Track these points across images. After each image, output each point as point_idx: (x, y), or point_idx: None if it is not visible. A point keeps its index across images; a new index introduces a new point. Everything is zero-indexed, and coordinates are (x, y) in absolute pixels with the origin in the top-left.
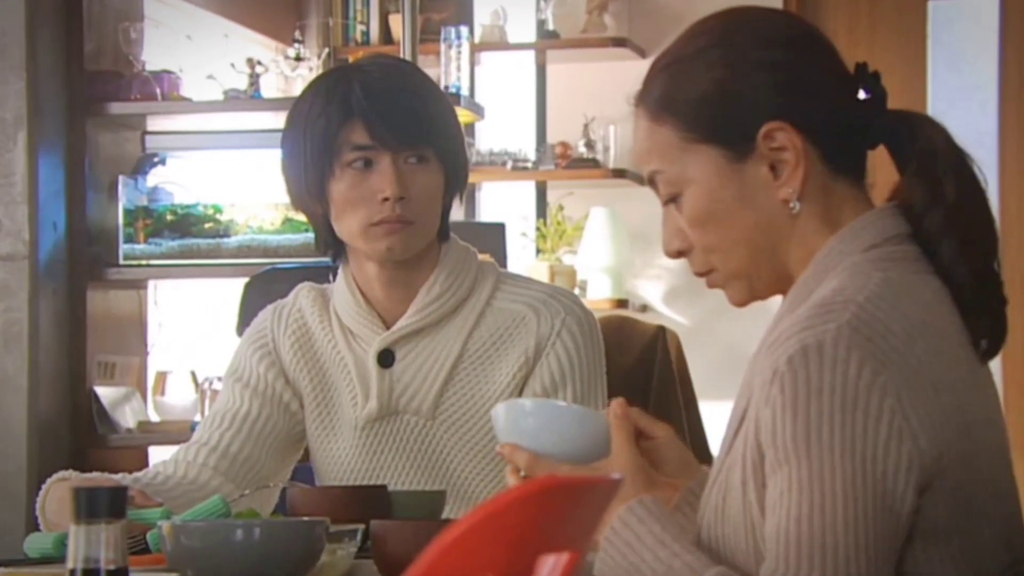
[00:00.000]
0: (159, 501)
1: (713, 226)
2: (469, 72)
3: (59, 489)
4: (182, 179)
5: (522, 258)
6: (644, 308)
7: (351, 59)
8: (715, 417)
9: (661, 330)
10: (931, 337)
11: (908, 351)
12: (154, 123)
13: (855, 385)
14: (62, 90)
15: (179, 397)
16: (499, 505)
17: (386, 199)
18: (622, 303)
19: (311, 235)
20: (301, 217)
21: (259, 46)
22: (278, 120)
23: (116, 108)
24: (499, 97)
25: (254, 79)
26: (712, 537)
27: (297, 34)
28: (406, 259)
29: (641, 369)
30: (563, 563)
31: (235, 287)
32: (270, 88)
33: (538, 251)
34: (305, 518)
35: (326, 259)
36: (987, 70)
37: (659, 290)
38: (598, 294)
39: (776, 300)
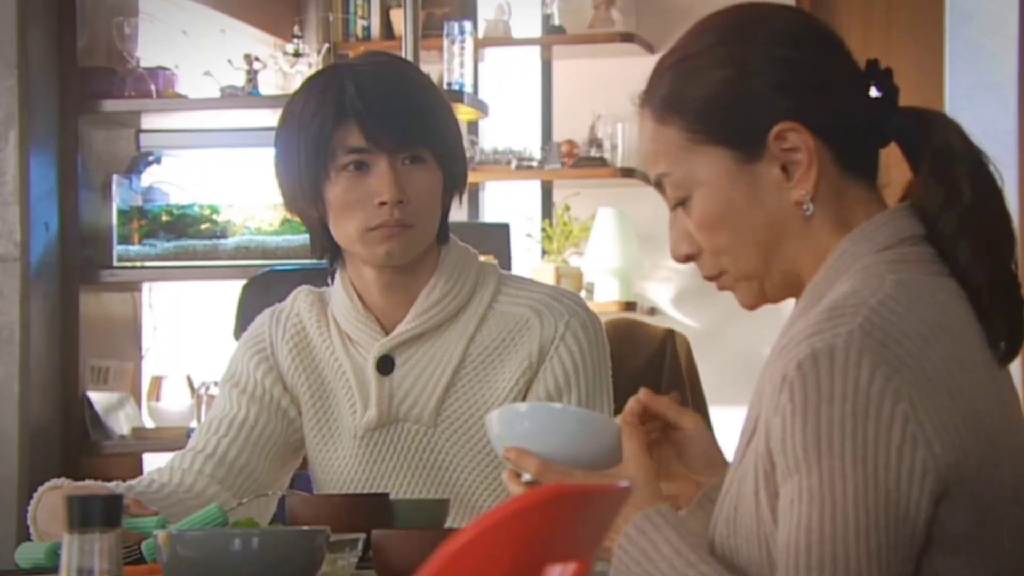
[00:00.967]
0: (154, 510)
1: (723, 229)
2: (472, 68)
3: (51, 498)
4: (178, 179)
5: (527, 260)
6: (653, 311)
7: (351, 55)
8: (726, 424)
9: (670, 334)
10: (947, 341)
11: (923, 355)
12: (149, 121)
13: (867, 391)
14: (54, 87)
15: (174, 403)
16: (504, 514)
17: (383, 203)
18: (630, 306)
19: (309, 236)
20: None
21: (257, 42)
22: (276, 118)
23: (110, 105)
24: (503, 94)
25: (252, 76)
26: (725, 548)
27: (296, 29)
28: (405, 263)
29: (650, 374)
30: (570, 573)
31: (232, 289)
32: (268, 85)
33: (544, 253)
34: (305, 527)
35: (325, 261)
36: (1007, 66)
37: (668, 292)
38: (605, 296)
39: (789, 303)
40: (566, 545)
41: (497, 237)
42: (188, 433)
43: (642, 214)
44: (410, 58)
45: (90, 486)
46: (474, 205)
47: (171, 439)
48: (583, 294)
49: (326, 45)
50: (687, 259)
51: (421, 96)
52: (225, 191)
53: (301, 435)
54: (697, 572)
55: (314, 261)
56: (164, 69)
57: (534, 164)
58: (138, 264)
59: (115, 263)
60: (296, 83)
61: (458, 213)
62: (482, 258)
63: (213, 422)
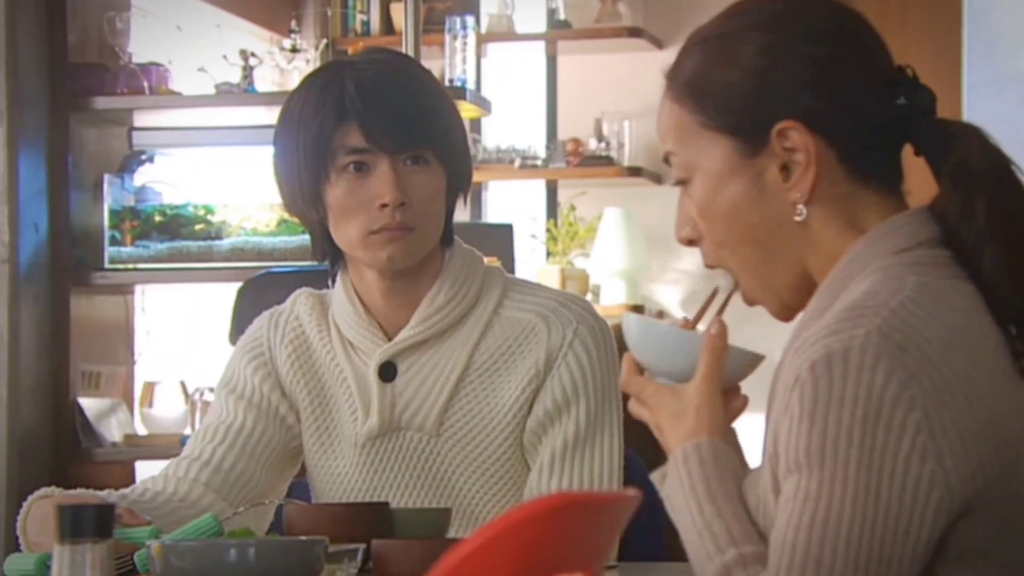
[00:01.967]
0: (147, 519)
1: (720, 220)
2: (475, 64)
3: (41, 507)
4: (171, 178)
5: (531, 261)
6: (661, 314)
7: (350, 51)
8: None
9: None
10: (969, 346)
11: (943, 362)
12: (141, 118)
13: (880, 396)
14: (44, 84)
15: (168, 409)
16: (509, 523)
17: (384, 205)
18: (637, 309)
19: (308, 237)
20: None
21: (253, 37)
22: (273, 115)
23: (101, 103)
24: (507, 91)
25: (248, 72)
26: None
27: (293, 24)
28: (408, 267)
29: None
30: None
31: (228, 292)
32: (265, 81)
33: (548, 254)
34: (303, 537)
35: (325, 264)
36: None
37: (677, 295)
38: (612, 299)
39: None
40: (573, 555)
41: (500, 238)
42: (182, 440)
43: (649, 214)
44: (411, 54)
45: (81, 495)
46: (477, 205)
47: (164, 446)
48: (589, 297)
49: (324, 40)
50: (688, 242)
51: (424, 95)
52: (220, 191)
53: (299, 443)
54: (721, 524)
55: (312, 263)
56: (157, 65)
57: (538, 163)
58: (130, 266)
59: (107, 265)
60: (293, 80)
61: (460, 214)
62: (486, 261)
63: (209, 429)
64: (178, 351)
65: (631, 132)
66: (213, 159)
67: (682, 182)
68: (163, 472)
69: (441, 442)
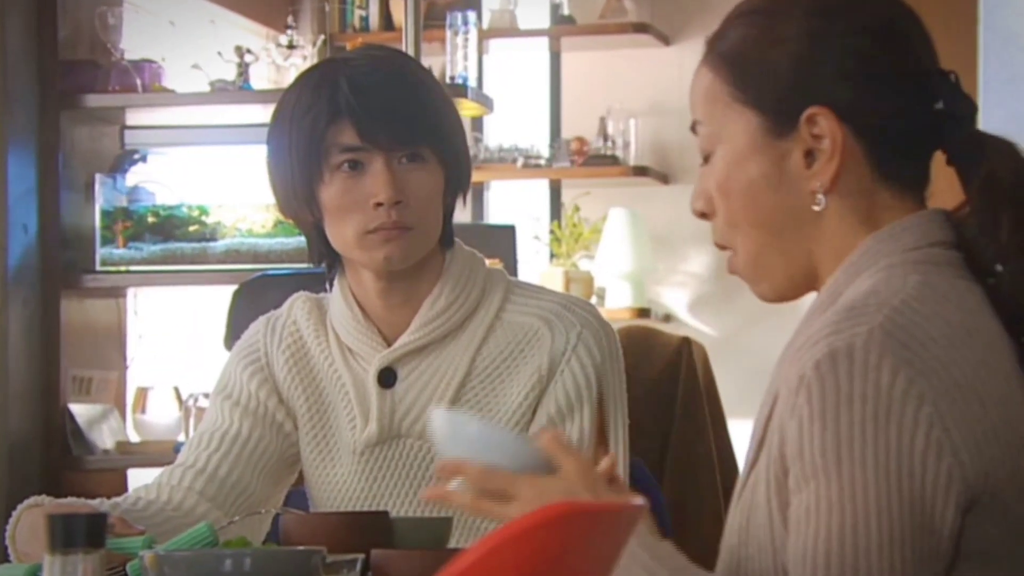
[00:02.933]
0: (140, 529)
1: (736, 198)
2: (477, 61)
3: (31, 516)
4: (164, 178)
5: (534, 263)
6: (667, 318)
7: (349, 47)
8: (745, 436)
9: (686, 342)
10: (976, 346)
11: (950, 360)
12: (134, 117)
13: (888, 392)
14: (34, 81)
15: (161, 415)
16: (512, 533)
17: (380, 204)
18: (643, 312)
19: (304, 239)
20: None
21: (248, 33)
22: (268, 113)
23: (93, 100)
24: (509, 88)
25: (243, 69)
26: (736, 560)
27: (290, 20)
28: (407, 269)
29: (664, 384)
30: None
31: (223, 295)
32: (260, 79)
33: (552, 256)
34: (300, 547)
35: (322, 267)
36: None
37: (684, 298)
38: (617, 302)
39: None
40: (578, 564)
41: (502, 239)
42: (176, 447)
43: (656, 215)
44: (411, 50)
45: (72, 504)
46: (478, 206)
47: (158, 454)
48: (593, 300)
49: (321, 37)
50: (701, 216)
51: (420, 92)
52: (215, 191)
53: (297, 450)
54: None
55: (309, 265)
56: (150, 62)
57: (542, 162)
58: (123, 268)
59: (98, 267)
60: (290, 77)
61: (461, 214)
62: (488, 263)
63: (203, 436)
64: (172, 356)
65: (637, 131)
66: (207, 158)
67: (707, 155)
68: (156, 480)
69: None
